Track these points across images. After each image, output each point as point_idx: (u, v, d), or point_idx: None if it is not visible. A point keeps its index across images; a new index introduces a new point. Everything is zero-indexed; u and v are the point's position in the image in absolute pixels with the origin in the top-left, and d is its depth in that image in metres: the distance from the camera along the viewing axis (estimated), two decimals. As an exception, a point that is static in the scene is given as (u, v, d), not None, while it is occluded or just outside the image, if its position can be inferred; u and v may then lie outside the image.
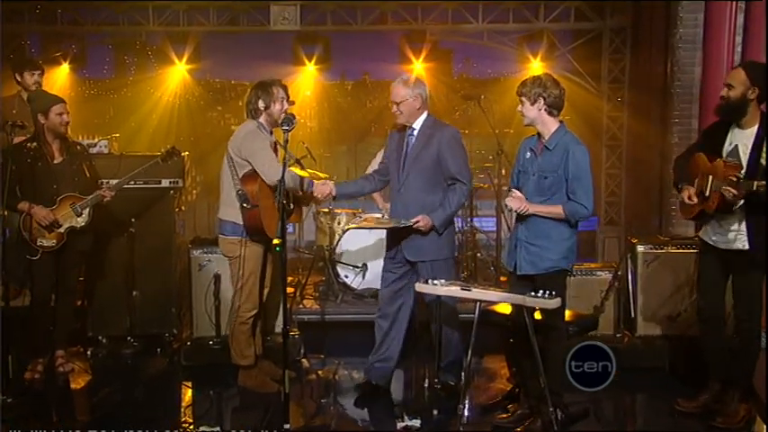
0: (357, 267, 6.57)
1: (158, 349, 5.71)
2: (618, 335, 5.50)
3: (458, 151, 4.63)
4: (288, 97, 4.77)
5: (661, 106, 7.04)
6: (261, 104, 4.69)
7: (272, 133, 4.76)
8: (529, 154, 4.27)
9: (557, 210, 4.12)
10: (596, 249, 8.14)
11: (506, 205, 4.23)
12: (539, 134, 4.25)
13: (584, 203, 4.08)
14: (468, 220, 7.34)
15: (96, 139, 5.91)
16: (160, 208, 5.80)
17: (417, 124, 4.62)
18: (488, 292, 4.27)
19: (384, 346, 4.78)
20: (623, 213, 8.19)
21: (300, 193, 4.72)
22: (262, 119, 4.75)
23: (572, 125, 7.40)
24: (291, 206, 4.83)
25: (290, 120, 4.23)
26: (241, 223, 4.66)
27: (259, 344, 5.02)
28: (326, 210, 6.89)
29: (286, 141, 4.21)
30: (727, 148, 4.30)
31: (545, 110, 4.14)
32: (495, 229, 7.34)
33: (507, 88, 8.92)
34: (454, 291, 4.23)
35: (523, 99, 4.15)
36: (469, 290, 4.21)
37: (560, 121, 4.21)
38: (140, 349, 5.69)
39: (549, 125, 4.17)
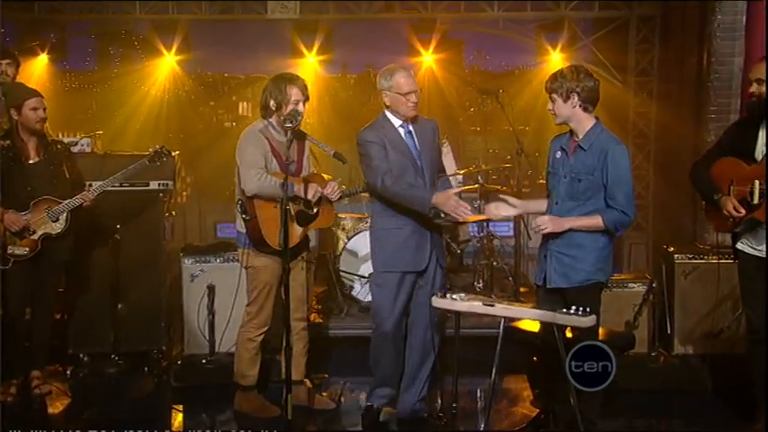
0: (364, 278, 6.38)
1: (146, 368, 5.61)
2: (653, 354, 5.41)
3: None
4: (307, 98, 4.64)
5: (695, 101, 6.93)
6: (272, 104, 4.59)
7: (287, 133, 4.54)
8: (559, 153, 4.13)
9: (595, 221, 3.97)
10: (621, 257, 7.97)
11: (536, 227, 4.06)
12: (571, 131, 4.10)
13: (625, 210, 3.94)
14: (484, 225, 7.17)
15: (78, 137, 5.85)
16: (148, 213, 5.73)
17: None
18: (514, 308, 4.11)
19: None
20: (651, 218, 8.04)
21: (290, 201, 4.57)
22: (273, 119, 4.64)
23: None
24: (315, 210, 4.71)
25: (293, 116, 4.18)
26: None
27: (299, 365, 4.90)
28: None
29: (290, 140, 4.08)
30: (761, 149, 4.17)
31: (579, 106, 3.98)
32: (512, 233, 7.17)
33: (524, 82, 8.88)
34: (476, 306, 4.09)
35: (554, 96, 4.00)
36: (493, 305, 4.04)
37: (596, 118, 4.05)
38: (126, 368, 5.60)
39: (584, 122, 4.02)
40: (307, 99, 4.63)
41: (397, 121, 4.50)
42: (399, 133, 4.50)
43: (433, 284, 4.51)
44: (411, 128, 4.52)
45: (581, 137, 4.02)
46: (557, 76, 4.01)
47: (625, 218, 3.95)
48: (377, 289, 4.58)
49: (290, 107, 4.53)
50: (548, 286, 4.11)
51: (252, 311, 4.73)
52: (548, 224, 4.00)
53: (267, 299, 4.71)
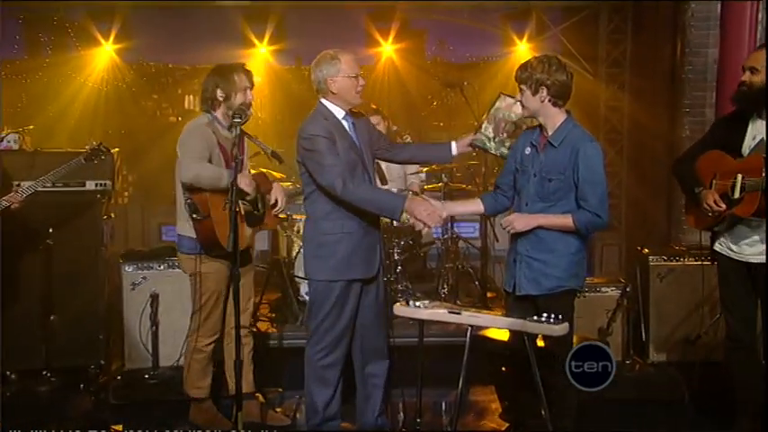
0: (320, 283, 6.32)
1: (81, 385, 5.51)
2: (627, 362, 5.43)
3: None
4: (252, 85, 4.64)
5: (669, 94, 7.03)
6: (219, 94, 4.55)
7: (231, 128, 4.54)
8: (529, 150, 4.10)
9: (566, 221, 3.94)
10: (593, 259, 8.04)
11: (503, 225, 4.04)
12: (541, 126, 4.07)
13: (598, 212, 3.92)
14: (448, 226, 7.16)
15: (4, 133, 5.77)
16: (84, 215, 5.64)
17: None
18: (482, 316, 4.07)
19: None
20: (624, 217, 8.14)
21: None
22: (219, 112, 4.61)
23: None
24: (261, 210, 4.70)
25: (242, 111, 4.12)
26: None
27: (247, 374, 4.90)
28: (283, 216, 6.65)
29: (238, 136, 4.10)
30: (749, 142, 4.18)
31: (549, 100, 3.96)
32: (478, 235, 7.18)
33: (489, 74, 8.91)
34: (441, 314, 4.05)
35: (523, 87, 3.98)
36: (459, 313, 4.01)
37: (567, 112, 4.03)
38: (59, 385, 5.48)
39: (554, 118, 3.99)
40: (252, 86, 4.63)
41: (339, 112, 4.34)
42: (344, 126, 4.35)
43: (378, 288, 4.44)
44: (353, 120, 4.40)
45: (551, 133, 3.99)
46: (526, 67, 3.98)
47: (597, 220, 3.92)
48: (320, 302, 4.37)
49: (239, 95, 4.51)
50: (517, 293, 4.09)
51: (199, 320, 4.69)
52: (514, 222, 3.97)
53: (216, 306, 4.69)
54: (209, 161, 4.45)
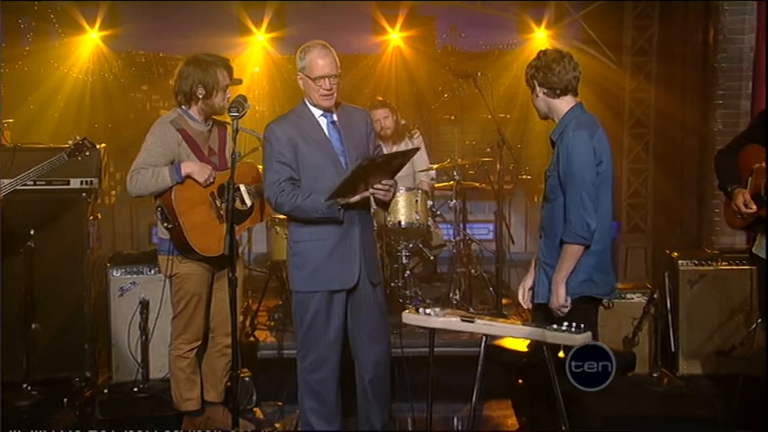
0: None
1: (65, 399, 5.46)
2: (655, 375, 5.44)
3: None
4: (232, 79, 4.67)
5: (700, 84, 7.01)
6: (200, 91, 4.57)
7: (207, 122, 4.64)
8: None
9: (567, 253, 3.88)
10: (617, 264, 8.00)
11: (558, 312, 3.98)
12: None
13: (570, 216, 3.84)
14: (461, 227, 7.15)
15: None
16: (68, 216, 5.64)
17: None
18: (497, 324, 4.04)
19: None
20: (651, 218, 8.10)
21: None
22: (194, 108, 4.64)
23: (588, 107, 7.42)
24: (247, 204, 4.72)
25: (240, 103, 4.06)
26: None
27: (218, 385, 4.93)
28: (282, 216, 6.65)
29: (236, 131, 4.05)
30: None
31: (545, 94, 3.95)
32: (493, 237, 7.17)
33: (504, 64, 8.92)
34: (453, 322, 4.02)
35: (530, 90, 4.03)
36: (473, 321, 3.99)
37: (577, 103, 3.98)
38: (41, 399, 5.45)
39: (561, 111, 3.98)
40: (232, 81, 4.65)
41: (317, 111, 4.33)
42: (320, 125, 4.33)
43: (371, 296, 4.38)
44: (335, 117, 4.36)
45: (554, 131, 4.02)
46: (526, 71, 4.01)
47: (572, 228, 3.83)
48: (301, 315, 4.36)
49: (220, 95, 4.55)
50: (535, 301, 4.10)
51: (179, 325, 4.73)
52: (557, 302, 3.92)
53: (196, 310, 4.71)
54: (171, 162, 4.51)
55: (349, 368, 4.49)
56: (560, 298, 3.89)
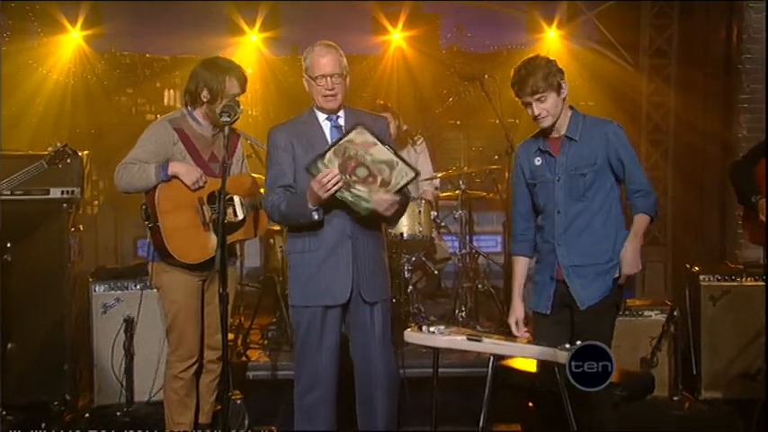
0: (319, 306, 6.32)
1: (43, 424, 5.40)
2: (675, 398, 5.44)
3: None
4: (244, 90, 4.67)
5: (723, 87, 7.01)
6: (205, 94, 4.59)
7: (215, 128, 4.63)
8: (540, 159, 4.22)
9: (642, 222, 4.11)
10: (635, 278, 7.98)
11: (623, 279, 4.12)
12: (543, 131, 4.18)
13: (651, 190, 4.13)
14: (467, 239, 7.16)
15: None
16: (48, 227, 5.63)
17: (341, 110, 4.38)
18: (506, 344, 4.04)
19: None
20: (670, 230, 8.10)
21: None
22: (199, 111, 4.66)
23: (602, 112, 7.51)
24: (241, 217, 4.69)
25: (231, 108, 4.11)
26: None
27: (204, 405, 4.90)
28: (277, 228, 6.67)
29: (226, 137, 4.06)
30: None
31: (563, 95, 4.12)
32: (500, 249, 7.17)
33: (513, 65, 8.82)
34: (459, 341, 4.01)
35: (548, 92, 4.04)
36: (480, 340, 3.98)
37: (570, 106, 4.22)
38: (17, 425, 5.38)
39: (566, 114, 4.18)
40: (243, 92, 4.66)
41: (321, 115, 4.34)
42: (322, 129, 4.33)
43: (370, 314, 4.32)
44: (341, 122, 4.34)
45: (565, 129, 4.13)
46: (547, 74, 4.03)
47: (654, 198, 4.13)
48: (296, 330, 4.38)
49: (225, 102, 4.51)
50: (582, 308, 4.12)
51: (172, 341, 4.71)
52: (633, 268, 4.09)
53: (186, 324, 4.67)
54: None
55: (350, 392, 4.47)
56: (637, 264, 4.08)
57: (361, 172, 4.01)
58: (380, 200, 4.05)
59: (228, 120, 4.05)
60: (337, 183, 3.97)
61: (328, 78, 4.21)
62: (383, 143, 4.01)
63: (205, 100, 4.60)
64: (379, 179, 4.02)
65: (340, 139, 3.98)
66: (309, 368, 4.32)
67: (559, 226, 4.12)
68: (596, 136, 4.08)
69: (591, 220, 4.10)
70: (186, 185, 4.52)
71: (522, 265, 4.32)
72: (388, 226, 4.62)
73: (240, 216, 4.69)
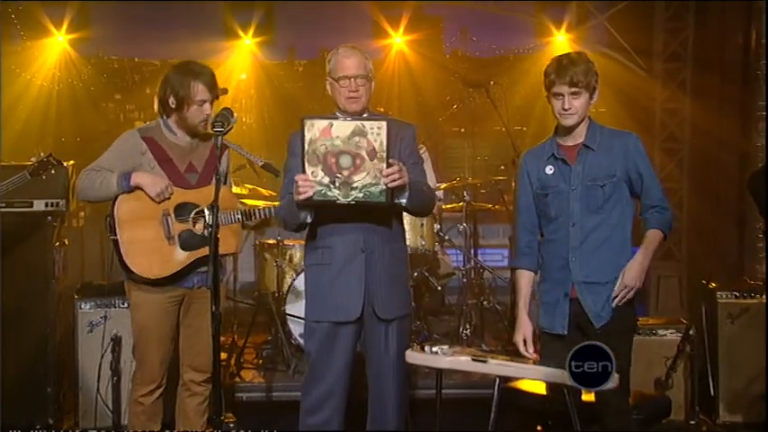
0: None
1: (26, 449, 5.49)
2: (692, 422, 5.42)
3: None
4: (215, 95, 4.63)
5: (740, 94, 7.01)
6: (172, 101, 4.56)
7: (194, 137, 4.61)
8: (552, 168, 4.18)
9: (655, 238, 4.09)
10: (648, 294, 7.99)
11: (618, 298, 4.04)
12: (557, 138, 4.18)
13: (666, 206, 4.12)
14: (471, 253, 7.15)
15: None
16: (31, 242, 5.61)
17: (365, 114, 4.36)
18: (514, 365, 4.02)
19: None
20: (685, 244, 8.09)
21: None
22: (172, 119, 4.63)
23: (614, 120, 7.51)
24: (208, 229, 4.50)
25: (225, 117, 4.07)
26: None
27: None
28: (272, 241, 6.69)
29: (220, 148, 4.04)
30: None
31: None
32: (507, 264, 7.16)
33: (521, 70, 8.94)
34: (463, 362, 4.00)
35: (582, 90, 4.03)
36: (485, 361, 3.98)
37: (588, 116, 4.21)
38: (-2, 449, 5.46)
39: (584, 122, 4.15)
40: (216, 98, 4.63)
41: (342, 118, 4.33)
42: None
43: (376, 344, 4.32)
44: None
45: (584, 137, 4.10)
46: (587, 70, 4.03)
47: (670, 214, 4.12)
48: (307, 347, 4.40)
49: (193, 109, 4.51)
50: (597, 326, 4.09)
51: (136, 362, 4.70)
52: (633, 282, 4.04)
53: (148, 346, 4.63)
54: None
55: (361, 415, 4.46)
56: (640, 280, 4.05)
57: (345, 161, 3.86)
58: (386, 174, 3.90)
59: (222, 130, 4.02)
60: (307, 183, 3.89)
61: (352, 80, 4.22)
62: (335, 117, 3.95)
63: (173, 107, 4.56)
64: (364, 153, 3.86)
65: (303, 148, 3.88)
66: (317, 386, 4.31)
67: (574, 239, 4.08)
68: (616, 147, 4.06)
69: (609, 234, 4.07)
70: (150, 197, 4.52)
71: (527, 280, 4.28)
72: (412, 212, 4.52)
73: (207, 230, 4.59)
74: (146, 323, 4.61)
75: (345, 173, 3.86)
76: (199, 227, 4.58)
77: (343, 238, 4.22)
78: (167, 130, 4.62)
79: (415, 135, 4.47)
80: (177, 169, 4.57)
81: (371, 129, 3.82)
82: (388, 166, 3.83)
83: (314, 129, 3.85)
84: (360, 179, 3.87)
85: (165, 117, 4.64)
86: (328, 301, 4.27)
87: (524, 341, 4.19)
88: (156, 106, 4.70)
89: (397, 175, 3.88)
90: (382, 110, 7.03)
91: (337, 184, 3.86)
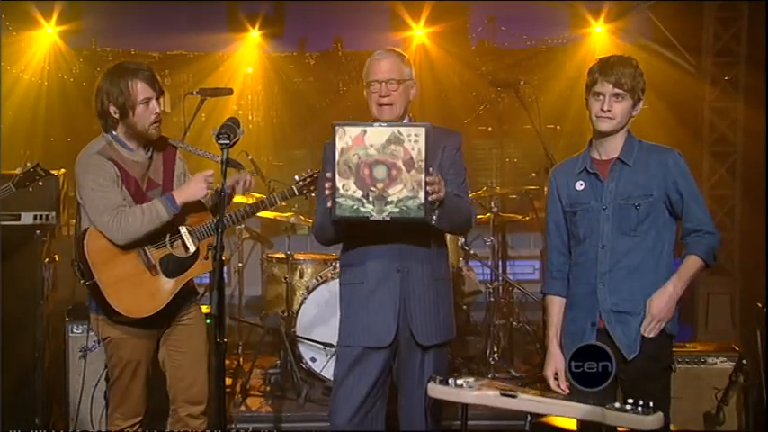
0: (330, 346, 6.35)
1: (13, 482, 5.52)
2: (748, 461, 5.40)
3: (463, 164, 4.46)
4: (161, 91, 4.58)
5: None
6: (113, 110, 4.50)
7: (147, 148, 4.60)
8: (582, 184, 4.18)
9: (695, 265, 4.05)
10: (695, 314, 7.95)
11: (648, 331, 4.03)
12: (591, 152, 4.19)
13: (711, 230, 4.07)
14: (499, 267, 7.15)
15: None
16: (18, 258, 5.67)
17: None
18: (546, 400, 4.02)
19: None
20: (738, 258, 8.07)
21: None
22: (119, 130, 4.57)
23: (658, 120, 7.50)
24: (190, 250, 4.61)
25: (231, 129, 4.05)
26: None
27: None
28: (281, 255, 6.70)
29: (225, 162, 4.00)
30: None
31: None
32: (538, 276, 7.16)
33: (555, 65, 8.95)
34: (490, 397, 4.00)
35: (626, 95, 4.02)
36: (515, 396, 3.98)
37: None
38: (-17, 482, 5.48)
39: (621, 135, 4.13)
40: (161, 93, 4.58)
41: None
42: None
43: (412, 373, 4.33)
44: None
45: (619, 152, 4.09)
46: (634, 73, 4.03)
47: (715, 240, 4.06)
48: (335, 368, 4.45)
49: (140, 109, 4.47)
50: (628, 358, 4.06)
51: (115, 396, 4.68)
52: (662, 314, 4.01)
53: (133, 380, 4.65)
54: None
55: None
56: (669, 311, 4.01)
57: (380, 172, 3.84)
58: (429, 182, 3.85)
59: (228, 142, 3.99)
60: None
61: (382, 84, 4.22)
62: (370, 124, 3.88)
63: (117, 116, 4.49)
64: (400, 164, 3.82)
65: (334, 159, 3.84)
66: (340, 415, 4.31)
67: (603, 263, 4.07)
68: (654, 164, 4.03)
69: (643, 260, 4.05)
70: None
71: (558, 307, 4.27)
72: (455, 231, 4.53)
73: (192, 249, 4.61)
74: (130, 358, 4.61)
75: (380, 185, 3.82)
76: (179, 249, 4.58)
77: (376, 256, 4.23)
78: (121, 147, 4.55)
79: (461, 144, 4.41)
80: (141, 189, 4.53)
81: (409, 136, 3.79)
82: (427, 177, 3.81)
83: (346, 137, 3.81)
84: (395, 192, 3.82)
85: (112, 132, 4.55)
86: (359, 324, 4.28)
87: (555, 375, 4.19)
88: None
89: (437, 186, 3.86)
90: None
91: (371, 198, 3.82)
